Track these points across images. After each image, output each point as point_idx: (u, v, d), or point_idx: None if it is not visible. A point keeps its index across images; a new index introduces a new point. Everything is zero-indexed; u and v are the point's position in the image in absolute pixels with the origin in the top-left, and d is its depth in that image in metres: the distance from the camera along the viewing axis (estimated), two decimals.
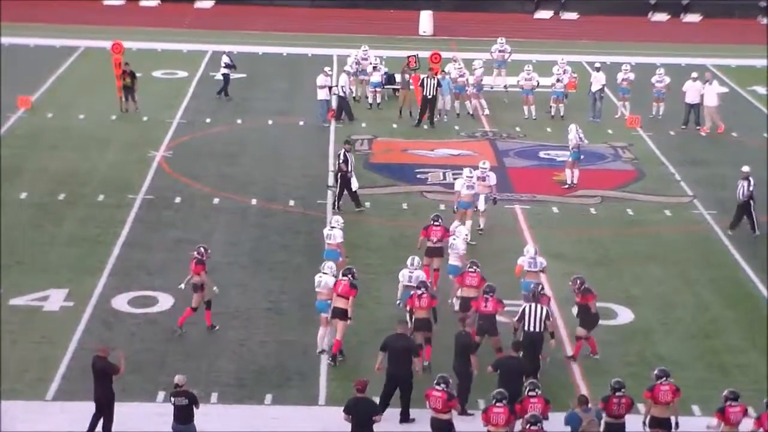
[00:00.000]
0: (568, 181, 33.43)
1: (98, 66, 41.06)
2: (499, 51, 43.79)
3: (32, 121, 38.52)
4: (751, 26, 59.26)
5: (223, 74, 42.34)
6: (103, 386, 19.74)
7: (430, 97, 39.11)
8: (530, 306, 21.91)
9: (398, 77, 41.48)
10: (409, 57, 41.57)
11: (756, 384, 22.02)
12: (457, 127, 39.25)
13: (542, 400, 19.05)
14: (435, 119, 39.27)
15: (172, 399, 19.21)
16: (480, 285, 23.09)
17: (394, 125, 39.02)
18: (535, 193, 32.80)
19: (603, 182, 34.02)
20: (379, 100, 41.42)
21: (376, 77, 41.40)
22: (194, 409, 19.20)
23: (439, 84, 39.26)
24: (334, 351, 22.66)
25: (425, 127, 39.05)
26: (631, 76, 41.38)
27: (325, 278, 22.88)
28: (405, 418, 20.61)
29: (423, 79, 39.18)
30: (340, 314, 22.47)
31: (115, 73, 39.95)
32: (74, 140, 36.75)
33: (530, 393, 19.03)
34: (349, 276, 22.65)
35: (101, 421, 19.82)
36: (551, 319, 22.31)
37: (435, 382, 19.02)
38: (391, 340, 20.77)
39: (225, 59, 42.43)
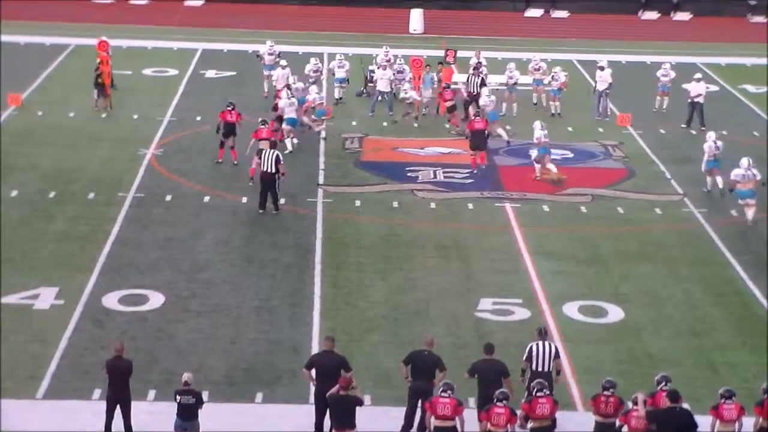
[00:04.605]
0: (538, 175, 33.55)
1: (88, 64, 41.01)
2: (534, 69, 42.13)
3: (22, 119, 38.44)
4: (740, 24, 59.42)
5: None
6: (122, 386, 19.46)
7: (474, 93, 39.16)
8: (537, 344, 20.24)
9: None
10: (447, 50, 41.53)
11: (745, 382, 22.02)
12: (447, 125, 39.27)
13: (551, 401, 18.97)
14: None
15: (178, 397, 19.05)
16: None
17: (384, 123, 39.00)
18: (525, 191, 32.81)
19: (593, 180, 34.05)
20: (343, 95, 41.39)
21: (341, 73, 41.35)
22: (199, 408, 19.14)
23: (483, 83, 39.24)
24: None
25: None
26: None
27: None
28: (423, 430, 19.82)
29: (468, 76, 39.49)
30: None
31: (104, 71, 39.76)
32: (64, 138, 36.70)
33: (538, 393, 18.87)
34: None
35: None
36: (560, 357, 20.79)
37: (441, 390, 18.85)
38: (416, 355, 20.23)
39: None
